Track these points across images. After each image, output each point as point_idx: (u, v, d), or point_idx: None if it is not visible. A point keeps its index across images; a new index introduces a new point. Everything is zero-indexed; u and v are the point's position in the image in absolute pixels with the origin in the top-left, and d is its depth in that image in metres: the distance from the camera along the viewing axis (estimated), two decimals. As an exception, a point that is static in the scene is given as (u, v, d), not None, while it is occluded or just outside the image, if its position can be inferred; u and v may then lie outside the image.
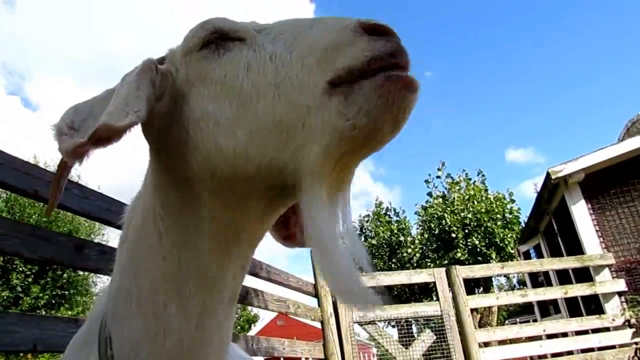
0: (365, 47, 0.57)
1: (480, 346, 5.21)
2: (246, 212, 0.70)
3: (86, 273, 17.24)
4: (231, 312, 0.78)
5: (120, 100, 0.63)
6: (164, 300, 0.71)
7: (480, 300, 6.36)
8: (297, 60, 0.62)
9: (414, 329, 7.26)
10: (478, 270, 6.02)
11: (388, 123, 0.57)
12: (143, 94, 0.65)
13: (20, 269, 14.31)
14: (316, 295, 4.98)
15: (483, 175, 17.37)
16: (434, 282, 5.48)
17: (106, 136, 0.60)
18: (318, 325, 4.96)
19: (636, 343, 5.44)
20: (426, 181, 17.69)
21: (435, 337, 5.23)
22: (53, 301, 15.04)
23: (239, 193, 0.67)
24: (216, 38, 0.71)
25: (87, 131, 0.60)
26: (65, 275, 15.54)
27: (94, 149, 0.62)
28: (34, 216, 15.33)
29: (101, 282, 19.15)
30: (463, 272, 5.53)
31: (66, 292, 15.60)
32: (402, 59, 0.58)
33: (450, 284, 5.42)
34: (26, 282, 14.45)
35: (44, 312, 13.86)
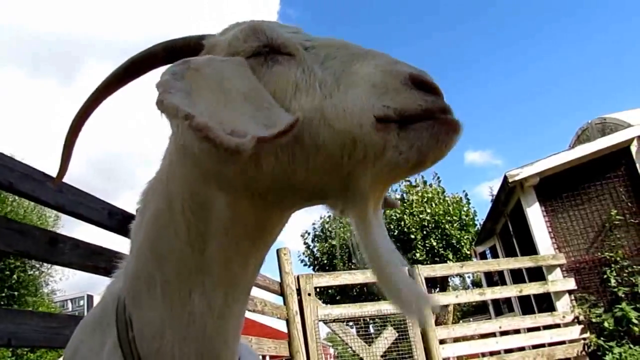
0: (418, 98, 0.62)
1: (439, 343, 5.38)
2: (278, 210, 0.75)
3: (36, 273, 16.54)
4: (245, 305, 0.81)
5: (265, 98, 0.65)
6: (189, 289, 0.73)
7: (440, 299, 6.54)
8: (344, 92, 0.65)
9: (371, 328, 7.38)
10: (439, 270, 6.21)
11: (433, 157, 0.63)
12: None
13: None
14: (282, 293, 5.00)
15: (439, 179, 17.85)
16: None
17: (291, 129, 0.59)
18: (271, 323, 4.97)
19: (584, 339, 5.76)
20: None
21: (397, 335, 5.35)
22: (1, 302, 14.34)
23: (282, 196, 0.70)
24: (267, 51, 0.72)
25: (277, 123, 0.59)
26: (15, 275, 14.83)
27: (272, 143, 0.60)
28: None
29: (53, 282, 18.40)
30: (424, 271, 5.68)
31: (15, 293, 14.91)
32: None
33: (413, 283, 5.56)
34: (-28, 282, 13.72)
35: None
